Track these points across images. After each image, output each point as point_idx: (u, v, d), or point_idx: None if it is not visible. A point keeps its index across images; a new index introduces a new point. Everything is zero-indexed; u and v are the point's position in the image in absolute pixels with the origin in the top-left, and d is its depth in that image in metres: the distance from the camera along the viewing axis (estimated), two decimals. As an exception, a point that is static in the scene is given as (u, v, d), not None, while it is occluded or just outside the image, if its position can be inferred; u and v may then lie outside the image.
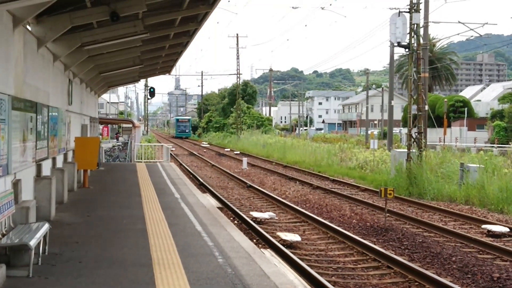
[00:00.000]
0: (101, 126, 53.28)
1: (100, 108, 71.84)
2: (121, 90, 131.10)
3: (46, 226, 11.32)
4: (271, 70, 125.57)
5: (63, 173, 18.86)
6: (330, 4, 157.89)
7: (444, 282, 12.08)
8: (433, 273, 13.25)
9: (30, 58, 14.87)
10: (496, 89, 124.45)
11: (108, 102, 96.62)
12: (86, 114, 31.18)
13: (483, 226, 19.35)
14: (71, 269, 10.35)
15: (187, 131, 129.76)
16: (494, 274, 13.26)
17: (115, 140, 56.08)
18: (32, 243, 9.94)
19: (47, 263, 10.69)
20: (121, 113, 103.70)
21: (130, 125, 50.80)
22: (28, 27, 14.90)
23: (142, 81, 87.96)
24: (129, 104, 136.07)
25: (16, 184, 13.10)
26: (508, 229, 18.64)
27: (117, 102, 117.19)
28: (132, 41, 20.88)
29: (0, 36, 11.73)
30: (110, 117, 77.95)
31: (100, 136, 50.78)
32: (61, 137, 20.59)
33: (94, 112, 38.29)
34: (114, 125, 62.79)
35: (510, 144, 56.59)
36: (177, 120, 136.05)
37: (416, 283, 12.62)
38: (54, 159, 19.74)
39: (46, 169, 18.00)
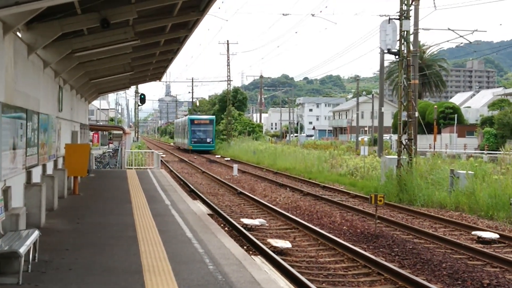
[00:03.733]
0: (91, 133, 53.19)
1: (91, 115, 71.68)
2: (112, 96, 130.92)
3: (36, 233, 11.29)
4: (261, 76, 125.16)
5: (53, 180, 18.81)
6: (321, 11, 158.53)
7: (434, 288, 12.10)
8: (423, 279, 13.26)
9: (20, 64, 14.84)
10: (486, 95, 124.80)
11: (98, 109, 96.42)
12: (77, 120, 31.11)
13: (473, 232, 19.39)
14: (61, 277, 10.32)
15: (209, 140, 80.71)
16: (484, 280, 13.28)
17: (107, 146, 55.99)
18: (22, 250, 9.90)
19: (37, 270, 10.66)
20: (112, 119, 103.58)
21: (121, 132, 50.71)
22: (18, 34, 14.86)
23: (133, 88, 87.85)
24: (119, 111, 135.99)
25: (6, 191, 13.06)
26: (498, 236, 18.68)
27: (108, 109, 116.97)
28: (123, 48, 20.87)
29: (-10, 43, 11.70)
30: (101, 123, 77.80)
31: (91, 143, 50.70)
32: (51, 144, 20.53)
33: (85, 119, 38.21)
34: (104, 131, 62.68)
35: (500, 151, 56.71)
36: (192, 121, 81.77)
37: (407, 290, 12.64)
38: (44, 166, 19.69)
39: (36, 176, 17.94)
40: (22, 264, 9.94)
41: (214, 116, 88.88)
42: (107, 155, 45.58)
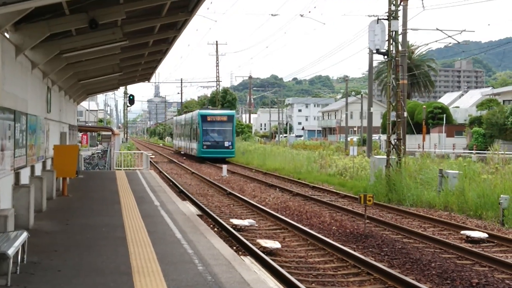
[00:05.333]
0: (80, 134, 53.04)
1: (79, 116, 71.42)
2: (101, 97, 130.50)
3: (24, 235, 11.25)
4: (250, 77, 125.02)
5: (42, 181, 18.75)
6: (309, 11, 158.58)
7: (424, 288, 12.13)
8: (413, 279, 13.29)
9: (8, 65, 14.78)
10: (474, 95, 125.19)
11: (87, 110, 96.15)
12: (65, 121, 31.02)
13: (462, 232, 19.44)
14: (50, 278, 10.29)
15: (227, 143, 60.91)
16: (473, 280, 13.32)
17: (96, 147, 55.83)
18: (11, 252, 9.86)
19: (26, 271, 10.62)
20: (101, 120, 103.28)
21: (110, 133, 50.56)
22: (6, 34, 14.80)
23: (122, 89, 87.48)
24: (108, 112, 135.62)
25: (-6, 193, 13.01)
26: (486, 235, 18.74)
27: (97, 110, 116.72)
28: (111, 49, 20.81)
29: (-22, 43, 11.65)
30: (89, 124, 77.59)
31: (80, 144, 50.57)
32: (39, 145, 20.47)
33: (73, 120, 38.10)
34: (93, 132, 62.50)
35: (488, 150, 56.92)
36: (204, 118, 61.75)
37: (396, 289, 12.66)
38: (32, 167, 19.62)
39: (25, 177, 17.89)
40: (11, 266, 9.90)
41: (234, 111, 70.13)
42: (96, 156, 45.50)
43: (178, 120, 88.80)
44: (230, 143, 60.89)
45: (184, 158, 71.41)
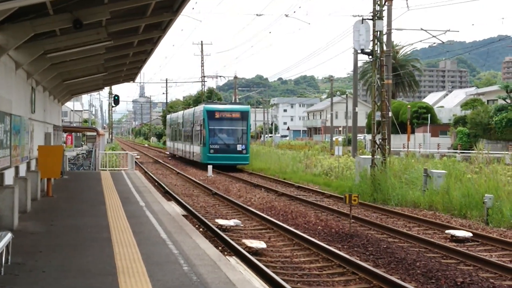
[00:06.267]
0: (65, 134, 52.91)
1: (64, 116, 71.35)
2: (85, 98, 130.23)
3: (8, 236, 11.20)
4: (235, 77, 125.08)
5: (26, 182, 18.68)
6: (294, 11, 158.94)
7: (409, 287, 12.17)
8: (398, 278, 13.33)
9: (-8, 66, 14.73)
10: (459, 95, 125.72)
11: (72, 110, 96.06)
12: (50, 122, 30.94)
13: (447, 231, 19.51)
14: (34, 279, 10.25)
15: (240, 147, 49.69)
16: (458, 279, 13.37)
17: (80, 148, 55.73)
18: (-5, 253, 9.82)
19: (10, 273, 10.58)
20: (85, 121, 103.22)
21: (94, 133, 50.48)
22: (-11, 34, 14.75)
23: (106, 89, 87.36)
24: (93, 112, 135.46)
25: (-22, 194, 12.95)
26: (471, 234, 18.82)
27: (81, 110, 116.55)
28: (96, 49, 20.77)
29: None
30: (74, 125, 77.41)
31: (64, 145, 50.43)
32: (24, 146, 20.40)
33: (58, 120, 38.00)
34: (78, 133, 62.37)
35: (473, 150, 57.17)
36: (211, 114, 50.46)
37: (381, 289, 12.70)
38: (17, 168, 19.56)
39: (9, 178, 17.81)
40: (-5, 267, 9.86)
41: (249, 107, 54.15)
42: (81, 156, 45.42)
43: (173, 118, 75.60)
44: (243, 147, 49.03)
45: (170, 158, 71.19)
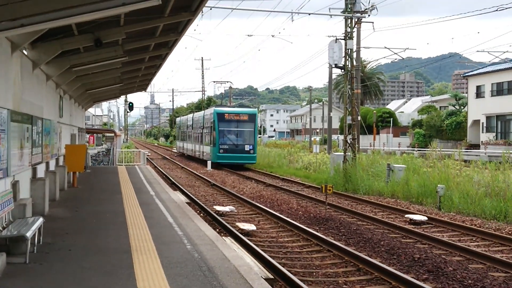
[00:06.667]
0: (87, 135, 52.73)
1: (87, 120, 71.04)
2: (105, 104, 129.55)
3: (40, 220, 11.17)
4: (230, 87, 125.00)
5: (55, 175, 18.62)
6: (279, 32, 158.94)
7: (374, 262, 12.19)
8: (365, 255, 13.34)
9: (26, 78, 14.67)
10: (416, 102, 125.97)
11: (93, 115, 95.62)
12: (75, 125, 30.83)
13: (406, 215, 19.54)
14: (62, 256, 10.23)
15: (248, 147, 45.16)
16: (415, 255, 13.40)
17: (101, 146, 55.51)
18: (29, 234, 9.80)
19: (42, 251, 10.55)
20: (105, 124, 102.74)
21: (112, 134, 50.30)
22: (24, 51, 14.69)
23: (122, 97, 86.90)
24: (111, 117, 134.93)
25: (14, 185, 12.91)
26: (426, 218, 18.86)
27: (101, 115, 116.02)
28: (113, 64, 20.70)
29: (0, 59, 11.56)
30: (95, 127, 77.12)
31: (87, 144, 50.25)
32: (53, 145, 20.33)
33: (82, 123, 37.89)
34: (98, 134, 62.14)
35: (428, 148, 57.31)
36: (220, 116, 45.66)
37: (352, 263, 12.70)
38: (47, 163, 19.48)
39: (41, 172, 17.75)
40: (29, 246, 9.84)
41: (256, 110, 50.54)
42: (101, 154, 45.22)
43: (183, 121, 71.20)
44: (251, 147, 44.88)
45: (176, 155, 70.99)
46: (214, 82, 54.87)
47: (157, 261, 9.84)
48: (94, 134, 56.99)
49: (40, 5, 9.82)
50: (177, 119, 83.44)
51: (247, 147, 44.52)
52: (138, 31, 17.93)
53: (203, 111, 55.98)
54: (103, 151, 47.02)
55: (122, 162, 41.50)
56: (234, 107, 52.50)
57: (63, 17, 10.08)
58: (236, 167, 43.80)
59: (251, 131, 45.02)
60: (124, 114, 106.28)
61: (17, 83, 13.34)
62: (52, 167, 20.96)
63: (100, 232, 12.77)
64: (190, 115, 64.38)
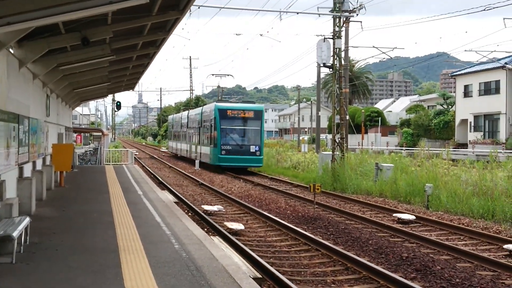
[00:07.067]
0: (75, 134, 52.54)
1: (74, 119, 70.79)
2: (92, 103, 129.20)
3: (27, 220, 11.12)
4: (219, 86, 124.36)
5: (42, 174, 18.54)
6: (268, 31, 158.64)
7: (362, 261, 12.21)
8: (354, 254, 13.37)
9: (12, 76, 14.58)
10: (404, 102, 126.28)
11: (81, 114, 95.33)
12: (62, 124, 30.70)
13: (394, 214, 19.61)
14: (49, 256, 10.18)
15: (253, 148, 39.79)
16: (403, 254, 13.44)
17: (88, 146, 55.34)
18: (15, 234, 9.75)
19: (28, 251, 10.50)
20: (92, 123, 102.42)
21: (100, 133, 50.15)
22: (10, 50, 14.60)
23: (110, 96, 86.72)
24: (99, 116, 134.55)
25: (1, 184, 12.83)
26: (414, 217, 18.92)
27: (89, 114, 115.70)
28: (101, 62, 20.63)
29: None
30: (83, 126, 76.84)
31: (74, 143, 50.08)
32: (40, 144, 20.23)
33: (69, 123, 37.74)
34: (86, 133, 61.93)
35: (416, 147, 57.53)
36: (222, 112, 40.18)
37: (340, 263, 12.72)
38: (34, 163, 19.39)
39: (27, 171, 17.66)
40: (15, 246, 9.79)
41: (262, 106, 46.20)
42: (88, 153, 45.11)
43: (176, 119, 65.43)
44: (257, 148, 39.60)
45: (164, 155, 70.77)
46: (213, 75, 48.23)
47: (145, 261, 9.81)
48: (82, 133, 56.80)
49: (27, 3, 9.78)
50: (169, 117, 78.64)
51: (252, 148, 39.52)
52: (125, 30, 17.88)
53: (200, 108, 51.16)
54: (90, 150, 46.93)
55: (109, 162, 41.37)
56: (237, 102, 46.77)
57: (50, 15, 10.04)
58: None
59: (258, 130, 40.13)
60: (112, 113, 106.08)
61: (3, 82, 13.26)
62: (39, 166, 20.86)
63: (87, 231, 12.73)
64: (185, 112, 59.73)
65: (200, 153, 45.75)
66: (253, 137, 39.86)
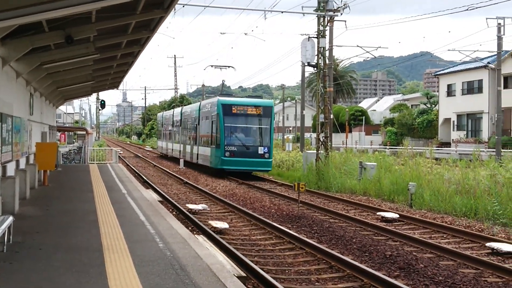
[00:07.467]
0: (58, 133, 52.27)
1: (58, 118, 70.34)
2: (76, 102, 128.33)
3: (10, 219, 11.03)
4: (203, 85, 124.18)
5: (26, 173, 18.41)
6: (252, 30, 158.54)
7: (346, 259, 12.24)
8: (338, 252, 13.40)
9: (-5, 75, 14.49)
10: (388, 101, 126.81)
11: (65, 113, 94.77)
12: (46, 123, 30.53)
13: (378, 213, 19.68)
14: (32, 255, 10.11)
15: (262, 150, 34.12)
16: (387, 252, 13.49)
17: (72, 144, 55.07)
18: (-2, 233, 9.68)
19: (11, 250, 10.42)
20: (76, 122, 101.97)
21: (84, 132, 49.99)
22: (-7, 48, 14.51)
23: (94, 95, 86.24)
24: (83, 115, 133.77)
25: (-17, 183, 12.74)
26: (398, 215, 19.01)
27: (73, 113, 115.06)
28: (85, 61, 20.56)
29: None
30: (67, 125, 76.44)
31: (58, 142, 49.82)
32: (23, 143, 20.12)
33: (53, 121, 37.54)
34: (70, 132, 61.65)
35: (399, 146, 57.77)
36: (227, 108, 34.78)
37: (324, 261, 12.74)
38: (17, 161, 19.29)
39: (11, 170, 17.56)
40: (-2, 245, 9.72)
41: (272, 101, 39.85)
42: (72, 152, 44.88)
43: (167, 116, 60.52)
44: (266, 150, 34.26)
45: (148, 153, 70.55)
46: (212, 66, 42.97)
47: (129, 260, 9.77)
48: (66, 132, 56.54)
49: (10, 0, 9.70)
50: (159, 114, 72.92)
51: (261, 150, 34.15)
52: (110, 28, 17.82)
53: (198, 103, 46.39)
54: (74, 149, 46.66)
55: (93, 160, 41.17)
56: (242, 97, 41.43)
57: (33, 13, 9.98)
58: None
59: (267, 128, 34.86)
60: (96, 112, 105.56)
61: (-14, 80, 13.16)
62: (22, 165, 20.74)
63: (71, 230, 12.65)
64: (178, 109, 55.28)
65: (198, 154, 40.77)
66: (261, 137, 34.80)
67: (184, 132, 47.98)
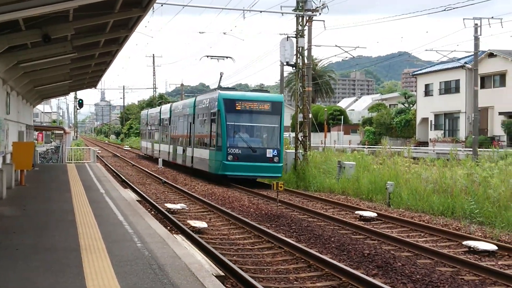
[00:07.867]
0: (36, 133, 51.84)
1: (35, 117, 69.79)
2: (54, 101, 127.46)
3: (-14, 219, 10.92)
4: (182, 84, 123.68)
5: (2, 173, 18.22)
6: (231, 30, 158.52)
7: (325, 258, 12.28)
8: (316, 251, 13.43)
9: (-29, 73, 14.34)
10: (366, 100, 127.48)
11: (42, 112, 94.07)
12: (23, 122, 30.25)
13: (356, 212, 19.77)
14: (9, 255, 10.01)
15: (271, 153, 28.58)
16: (365, 251, 13.55)
17: (50, 144, 54.64)
18: (-26, 233, 9.56)
19: (-13, 250, 10.31)
20: (54, 121, 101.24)
21: (62, 132, 49.60)
22: (-31, 47, 14.36)
23: (72, 94, 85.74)
24: (61, 114, 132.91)
25: (-41, 183, 12.61)
26: (376, 214, 19.11)
27: (50, 112, 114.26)
28: (62, 60, 20.41)
29: None
30: (44, 124, 75.84)
31: (35, 141, 49.41)
32: (0, 142, 19.91)
33: (30, 121, 37.20)
34: (47, 131, 61.16)
35: (378, 145, 58.09)
36: (230, 103, 29.15)
37: (302, 260, 12.77)
38: (-6, 161, 19.08)
39: (-13, 170, 17.36)
40: (-26, 246, 9.60)
41: (281, 96, 32.44)
42: (50, 151, 44.55)
43: (153, 114, 54.66)
44: (275, 152, 29.13)
45: (126, 153, 70.22)
46: (207, 56, 37.15)
47: (107, 260, 9.72)
48: (43, 132, 56.09)
49: (-14, -1, 9.61)
50: (143, 112, 65.94)
51: (269, 153, 29.10)
52: (87, 27, 17.71)
53: (191, 98, 40.93)
54: (52, 148, 46.35)
55: (71, 160, 40.86)
56: (246, 91, 35.30)
57: (9, 11, 9.89)
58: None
59: (276, 127, 29.75)
60: (74, 111, 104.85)
61: (-39, 79, 13.02)
62: (-1, 165, 20.53)
63: (49, 230, 12.55)
64: (167, 105, 49.47)
65: (192, 157, 35.38)
66: (270, 138, 30.00)
67: (174, 131, 42.83)
